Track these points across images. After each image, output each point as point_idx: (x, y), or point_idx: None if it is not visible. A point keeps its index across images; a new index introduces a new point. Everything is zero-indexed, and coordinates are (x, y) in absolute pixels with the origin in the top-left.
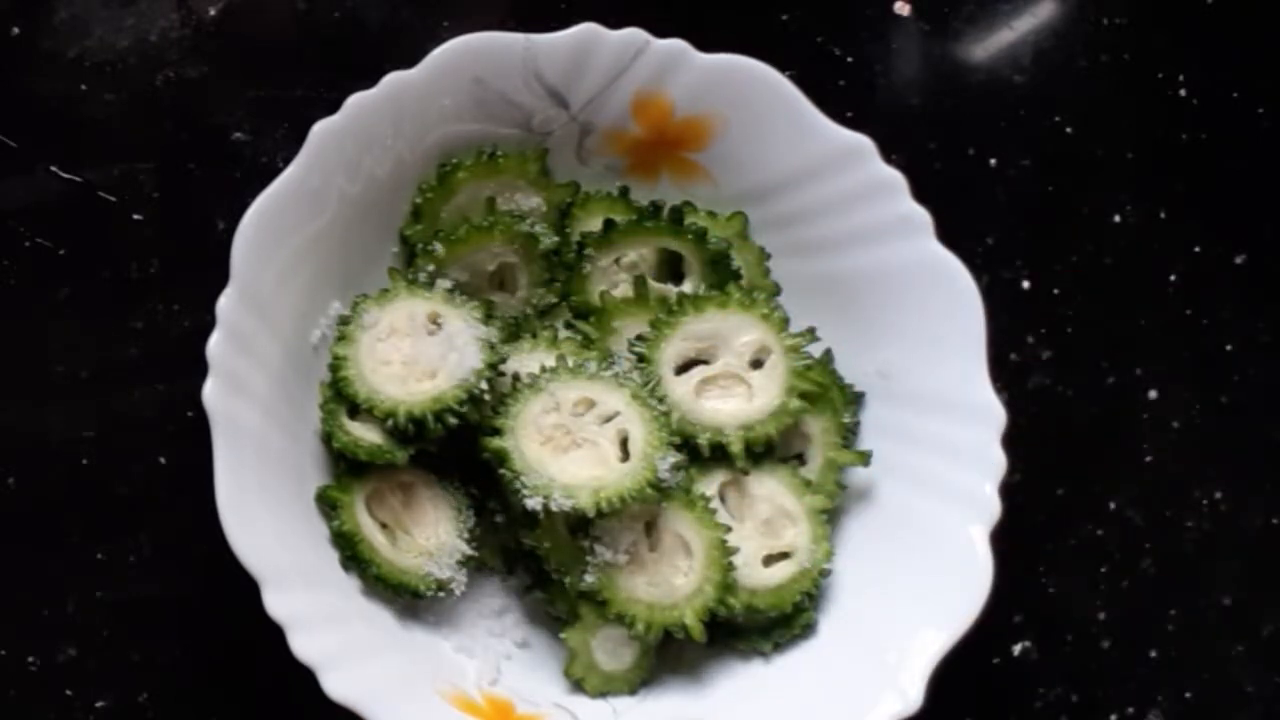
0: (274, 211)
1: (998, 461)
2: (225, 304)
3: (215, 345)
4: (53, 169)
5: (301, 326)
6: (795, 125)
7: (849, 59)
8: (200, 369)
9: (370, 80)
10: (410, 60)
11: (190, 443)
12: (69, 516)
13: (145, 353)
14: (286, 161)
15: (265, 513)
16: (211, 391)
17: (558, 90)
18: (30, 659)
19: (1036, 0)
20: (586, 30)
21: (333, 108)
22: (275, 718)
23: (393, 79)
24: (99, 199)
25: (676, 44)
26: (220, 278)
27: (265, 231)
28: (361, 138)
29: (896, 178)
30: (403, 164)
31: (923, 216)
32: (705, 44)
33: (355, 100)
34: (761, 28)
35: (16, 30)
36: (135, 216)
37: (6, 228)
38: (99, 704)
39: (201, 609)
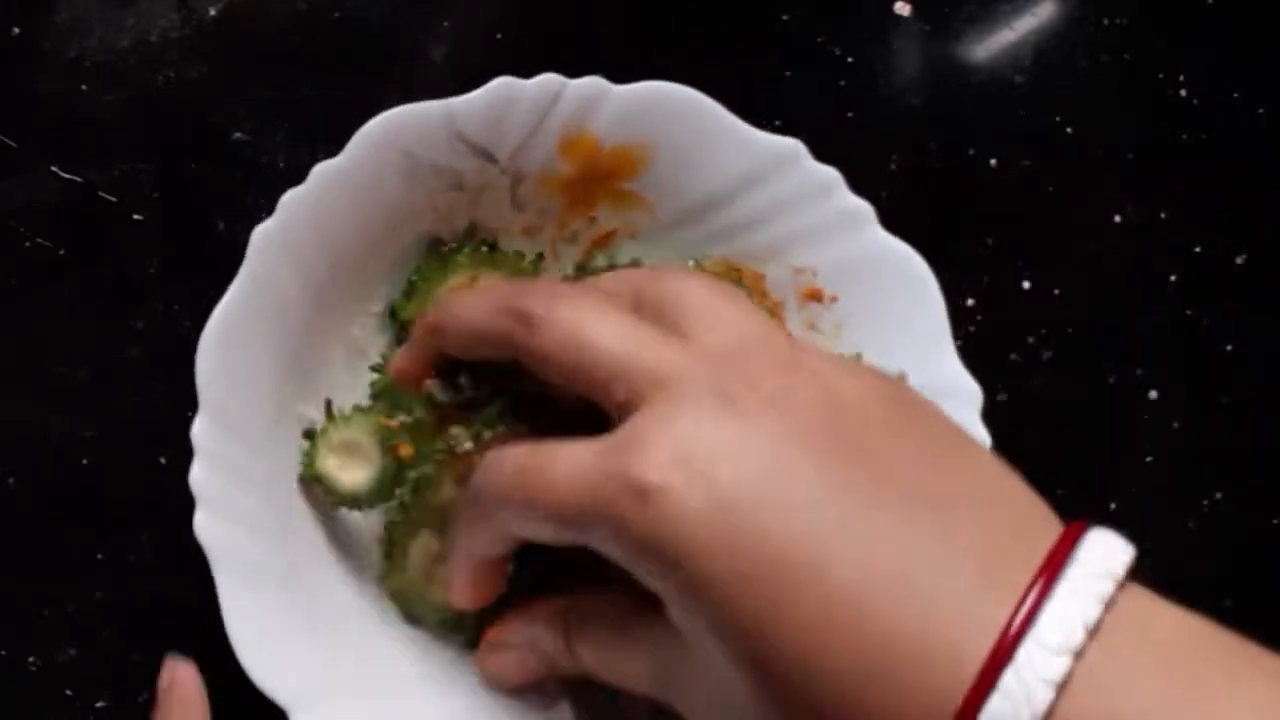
0: (231, 327)
1: (982, 439)
2: (199, 431)
3: (198, 474)
4: (53, 169)
5: (276, 436)
6: (723, 139)
7: (849, 59)
8: None
9: (370, 80)
10: (410, 60)
11: (190, 443)
12: (69, 516)
13: (145, 353)
14: (287, 162)
15: (281, 635)
16: (202, 522)
17: (483, 147)
18: (30, 659)
19: (1036, 0)
20: (500, 85)
21: (332, 107)
22: (275, 717)
23: (320, 170)
24: (99, 199)
25: (592, 82)
26: (220, 278)
27: (226, 350)
28: (300, 234)
29: (832, 174)
30: (347, 247)
31: (864, 208)
32: (705, 45)
33: (288, 199)
34: (761, 28)
35: (16, 30)
36: (135, 216)
37: (6, 228)
38: (99, 704)
39: (201, 609)
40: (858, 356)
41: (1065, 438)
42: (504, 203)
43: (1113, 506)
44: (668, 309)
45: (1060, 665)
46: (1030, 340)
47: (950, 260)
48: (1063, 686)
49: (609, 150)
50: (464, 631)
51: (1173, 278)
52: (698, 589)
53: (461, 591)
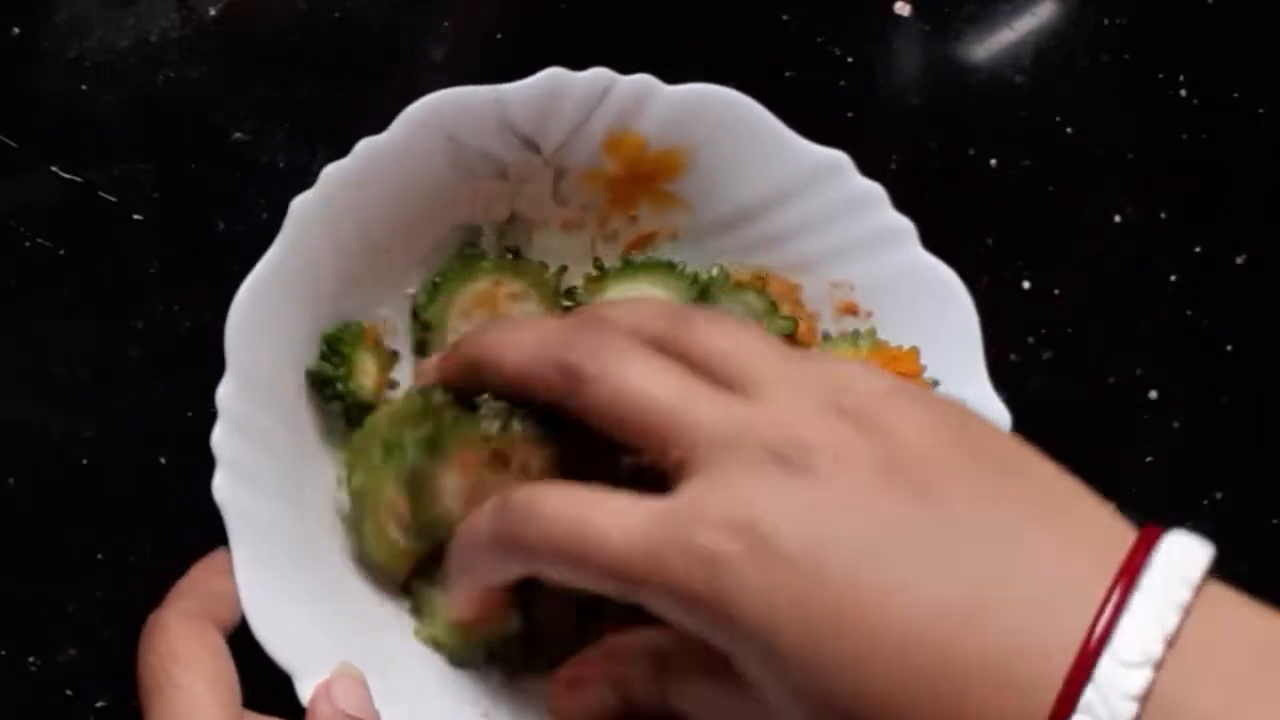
0: (262, 294)
1: None
2: (224, 393)
3: (219, 436)
4: (53, 169)
5: (299, 405)
6: (769, 146)
7: (849, 59)
8: (200, 369)
9: (370, 80)
10: (410, 60)
11: (190, 443)
12: (69, 516)
13: (145, 353)
14: (287, 162)
15: (290, 601)
16: (221, 483)
17: (530, 138)
18: (30, 659)
19: (1036, 0)
20: (552, 75)
21: (332, 107)
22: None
23: (365, 145)
24: (99, 199)
25: (643, 79)
26: (221, 278)
27: (256, 315)
28: (339, 208)
29: (876, 190)
30: (383, 227)
31: (906, 225)
32: (705, 45)
33: (330, 171)
34: (762, 28)
35: (16, 30)
36: (135, 216)
37: (6, 228)
38: (99, 704)
39: None
40: (934, 384)
41: (1065, 438)
42: (545, 195)
43: (1112, 507)
44: (713, 363)
45: (1141, 678)
46: (1030, 340)
47: (950, 260)
48: (1145, 698)
49: (654, 152)
50: (511, 662)
51: (1173, 278)
52: (770, 655)
53: (466, 610)
